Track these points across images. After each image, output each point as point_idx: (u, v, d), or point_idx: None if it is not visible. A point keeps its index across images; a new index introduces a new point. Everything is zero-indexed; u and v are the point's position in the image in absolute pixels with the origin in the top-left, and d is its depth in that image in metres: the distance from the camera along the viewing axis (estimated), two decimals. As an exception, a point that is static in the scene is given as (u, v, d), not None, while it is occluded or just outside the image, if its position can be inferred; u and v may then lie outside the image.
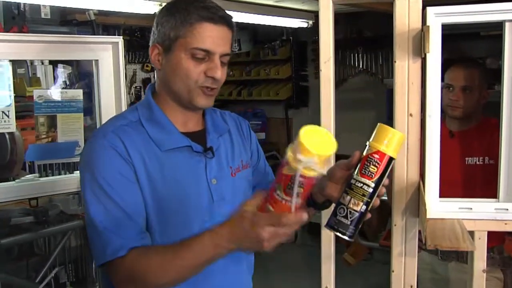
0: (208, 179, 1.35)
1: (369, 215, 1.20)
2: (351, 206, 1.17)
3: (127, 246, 1.20)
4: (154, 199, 1.28)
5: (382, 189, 1.20)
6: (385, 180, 1.19)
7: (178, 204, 1.30)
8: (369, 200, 1.17)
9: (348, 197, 1.18)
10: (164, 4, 2.47)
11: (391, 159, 1.18)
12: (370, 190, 1.17)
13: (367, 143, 1.20)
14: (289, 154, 1.02)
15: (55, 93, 1.97)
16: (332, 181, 1.27)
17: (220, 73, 1.29)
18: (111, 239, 1.20)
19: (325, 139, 1.07)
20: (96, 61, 1.93)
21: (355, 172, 1.19)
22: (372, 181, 1.17)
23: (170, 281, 1.19)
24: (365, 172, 1.17)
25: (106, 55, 1.94)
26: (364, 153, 1.19)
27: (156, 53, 1.32)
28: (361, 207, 1.17)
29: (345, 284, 1.85)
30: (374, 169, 1.17)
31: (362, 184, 1.17)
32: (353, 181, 1.18)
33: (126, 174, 1.24)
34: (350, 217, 1.17)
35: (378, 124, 1.21)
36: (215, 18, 1.27)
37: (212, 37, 1.27)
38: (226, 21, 1.30)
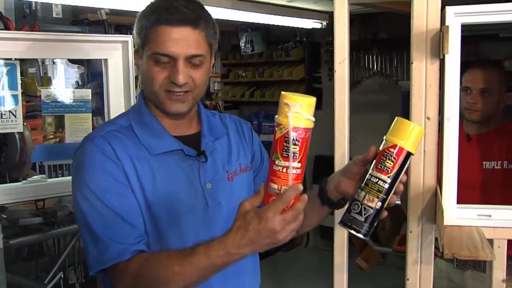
0: (202, 184, 1.31)
1: (385, 214, 1.15)
2: (365, 202, 1.13)
3: (130, 250, 1.17)
4: (145, 204, 1.24)
5: (400, 186, 1.14)
6: (403, 177, 1.14)
7: (170, 210, 1.26)
8: (385, 196, 1.12)
9: (363, 193, 1.13)
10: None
11: (408, 154, 1.13)
12: (386, 186, 1.12)
13: (384, 138, 1.15)
14: (276, 117, 1.04)
15: (63, 92, 1.95)
16: (347, 177, 1.23)
17: (181, 78, 1.23)
18: (109, 244, 1.17)
19: (303, 94, 1.06)
20: (105, 60, 1.90)
21: (371, 167, 1.14)
22: (388, 177, 1.12)
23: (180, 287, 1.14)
24: (381, 167, 1.12)
25: (116, 54, 1.91)
26: (381, 148, 1.14)
27: (136, 59, 1.32)
28: (376, 203, 1.12)
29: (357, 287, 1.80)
30: (390, 164, 1.12)
31: (377, 180, 1.13)
32: (368, 177, 1.14)
33: (118, 177, 1.22)
34: (365, 214, 1.13)
35: (396, 117, 1.16)
36: (171, 20, 1.21)
37: (170, 40, 1.22)
38: (187, 21, 1.22)
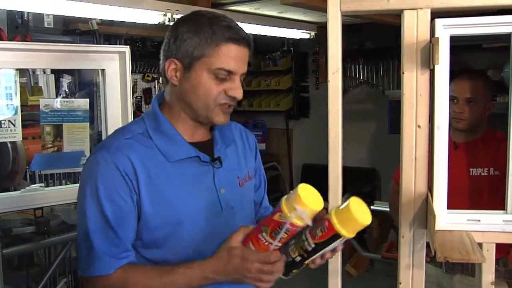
0: (217, 189, 1.37)
1: (310, 265, 1.26)
2: (289, 249, 1.23)
3: (116, 266, 1.26)
4: (161, 208, 1.30)
5: (327, 254, 1.24)
6: (328, 253, 1.23)
7: (187, 214, 1.32)
8: (305, 255, 1.22)
9: (293, 241, 1.22)
10: (177, 17, 2.47)
11: (338, 235, 1.19)
12: (309, 248, 1.20)
13: (328, 205, 1.23)
14: (283, 203, 1.15)
15: (61, 102, 1.97)
16: None
17: (241, 93, 1.33)
18: (99, 256, 1.24)
19: (316, 196, 1.18)
20: (103, 70, 1.93)
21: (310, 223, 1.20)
22: (314, 243, 1.20)
23: None
24: (313, 231, 1.20)
25: (113, 65, 1.94)
26: (328, 209, 1.25)
27: (172, 68, 1.32)
28: (296, 256, 1.22)
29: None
30: (320, 233, 1.19)
31: (306, 238, 1.20)
32: (304, 230, 1.21)
33: (124, 194, 1.26)
34: (286, 258, 1.23)
35: (350, 200, 1.20)
36: (239, 39, 1.30)
37: (235, 58, 1.30)
38: (248, 42, 1.32)
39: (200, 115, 1.35)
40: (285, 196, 1.18)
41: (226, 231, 1.27)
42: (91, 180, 1.27)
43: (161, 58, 1.36)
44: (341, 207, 1.20)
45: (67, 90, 3.76)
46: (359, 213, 1.18)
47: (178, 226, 1.32)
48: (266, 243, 1.18)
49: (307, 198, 1.14)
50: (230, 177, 1.42)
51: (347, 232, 1.18)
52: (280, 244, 1.20)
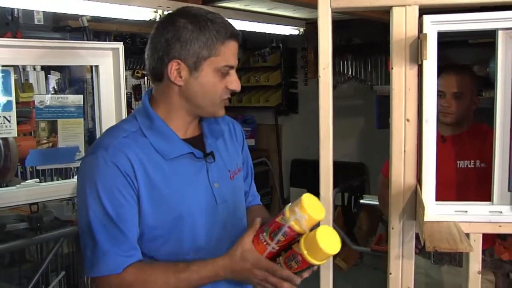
0: (211, 183, 1.41)
1: None
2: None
3: (124, 264, 1.27)
4: (160, 207, 1.32)
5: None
6: (303, 274, 1.30)
7: (184, 210, 1.35)
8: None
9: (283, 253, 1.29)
10: (159, 11, 2.47)
11: (312, 265, 1.27)
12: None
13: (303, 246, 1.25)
14: (287, 207, 1.23)
15: (56, 98, 1.99)
16: None
17: (240, 85, 1.39)
18: (105, 255, 1.26)
19: (318, 206, 1.26)
20: (96, 67, 1.95)
21: (300, 243, 1.26)
22: (292, 271, 1.28)
23: None
24: (288, 262, 1.27)
25: (107, 61, 1.96)
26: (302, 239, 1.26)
27: (176, 69, 1.33)
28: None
29: (335, 288, 1.87)
30: (295, 265, 1.27)
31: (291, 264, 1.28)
32: (280, 261, 1.29)
33: (125, 192, 1.28)
34: None
35: (319, 228, 1.25)
36: (237, 35, 1.36)
37: (234, 54, 1.36)
38: (240, 37, 1.38)
39: (204, 111, 1.40)
40: (291, 203, 1.26)
41: (223, 224, 1.37)
42: (91, 180, 1.27)
43: (155, 57, 1.34)
44: (311, 245, 1.24)
45: (55, 87, 3.76)
46: (328, 244, 1.24)
47: (179, 222, 1.34)
48: (265, 243, 1.24)
49: (309, 205, 1.21)
50: (222, 171, 1.46)
51: (321, 261, 1.26)
52: (277, 248, 1.25)
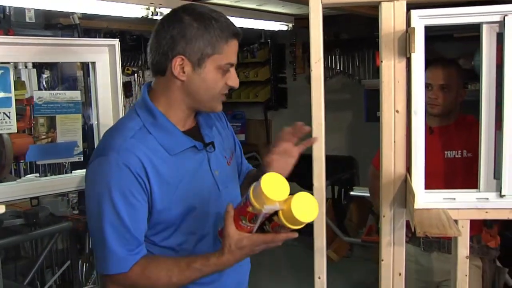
0: (212, 172, 1.48)
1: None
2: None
3: (130, 263, 1.34)
4: (172, 201, 1.38)
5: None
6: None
7: (195, 199, 1.42)
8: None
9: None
10: (160, 11, 2.50)
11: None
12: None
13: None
14: (252, 198, 1.23)
15: (54, 94, 2.02)
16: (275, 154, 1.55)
17: (238, 82, 1.45)
18: (114, 255, 1.32)
19: (281, 183, 1.25)
20: (93, 63, 1.98)
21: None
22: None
23: None
24: (276, 230, 1.30)
25: (103, 58, 1.99)
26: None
27: (179, 64, 1.37)
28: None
29: (327, 280, 1.93)
30: (283, 230, 1.28)
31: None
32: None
33: (137, 193, 1.32)
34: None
35: (294, 210, 1.26)
36: (239, 34, 1.41)
37: (235, 52, 1.42)
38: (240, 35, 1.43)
39: (204, 106, 1.45)
40: (252, 188, 1.25)
41: (224, 206, 1.37)
42: (104, 182, 1.31)
43: (159, 52, 1.38)
44: (286, 211, 1.25)
45: (45, 85, 3.78)
46: (305, 213, 1.26)
47: (189, 212, 1.41)
48: (249, 227, 1.29)
49: (272, 192, 1.21)
50: (220, 158, 1.53)
51: (305, 222, 1.27)
52: (260, 225, 1.30)
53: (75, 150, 2.02)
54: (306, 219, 1.24)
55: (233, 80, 1.43)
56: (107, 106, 2.04)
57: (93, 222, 1.34)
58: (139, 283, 1.35)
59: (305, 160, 1.95)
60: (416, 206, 1.71)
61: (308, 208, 1.26)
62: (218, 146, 1.53)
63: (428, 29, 1.70)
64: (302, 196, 1.26)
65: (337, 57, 5.24)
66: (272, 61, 5.63)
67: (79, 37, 3.29)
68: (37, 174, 1.98)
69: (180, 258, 1.37)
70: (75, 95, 2.03)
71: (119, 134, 1.37)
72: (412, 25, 1.66)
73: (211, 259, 1.32)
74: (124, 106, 4.82)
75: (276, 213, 1.26)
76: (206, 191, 1.45)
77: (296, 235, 1.28)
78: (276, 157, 1.54)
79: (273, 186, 1.23)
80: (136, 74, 4.98)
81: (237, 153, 1.72)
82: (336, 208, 4.69)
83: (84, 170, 2.10)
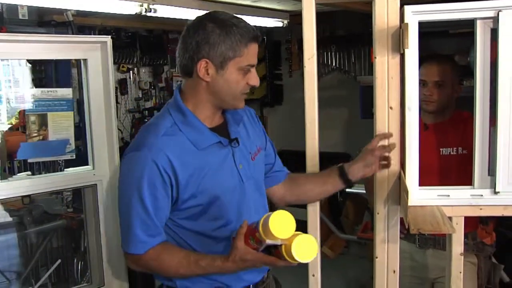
0: (236, 165, 1.63)
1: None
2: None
3: (147, 247, 1.53)
4: (198, 191, 1.54)
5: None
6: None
7: (218, 190, 1.58)
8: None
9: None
10: (144, 5, 2.49)
11: None
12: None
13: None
14: (260, 229, 1.38)
15: (46, 92, 2.01)
16: (367, 166, 1.76)
17: (258, 81, 1.59)
18: (135, 237, 1.53)
19: (288, 222, 1.38)
20: (85, 60, 1.96)
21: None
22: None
23: (180, 279, 1.61)
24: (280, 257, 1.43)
25: (95, 55, 1.97)
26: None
27: (204, 67, 1.53)
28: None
29: (323, 277, 1.93)
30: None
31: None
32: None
33: (161, 188, 1.51)
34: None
35: (294, 252, 1.37)
36: (258, 37, 1.55)
37: (255, 54, 1.57)
38: (260, 39, 1.58)
39: (227, 104, 1.60)
40: (263, 218, 1.39)
41: (248, 198, 1.62)
42: (134, 174, 1.50)
43: (186, 56, 1.54)
44: (287, 249, 1.39)
45: (41, 82, 3.75)
46: (304, 253, 1.39)
47: (215, 202, 1.57)
48: (255, 246, 1.43)
49: (278, 229, 1.35)
50: (245, 154, 1.67)
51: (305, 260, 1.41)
52: (266, 246, 1.43)
53: (67, 148, 2.01)
54: (303, 260, 1.38)
55: (254, 79, 1.57)
56: (100, 104, 2.03)
57: (123, 207, 1.55)
58: (151, 266, 1.56)
59: (298, 157, 1.95)
60: (410, 203, 1.70)
61: (308, 249, 1.39)
62: (243, 142, 1.67)
63: (424, 25, 1.70)
64: (304, 238, 1.39)
65: (333, 53, 5.23)
66: (268, 58, 5.62)
67: (73, 34, 3.27)
68: (29, 172, 1.97)
69: (191, 253, 1.55)
70: (67, 92, 2.02)
71: (153, 131, 1.55)
72: (405, 21, 1.65)
73: (216, 262, 1.49)
74: (119, 103, 4.89)
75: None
76: (230, 182, 1.60)
77: (295, 264, 1.41)
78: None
79: (280, 224, 1.37)
80: (131, 71, 4.95)
81: (268, 151, 1.85)
82: (332, 205, 4.68)
83: (77, 168, 2.13)
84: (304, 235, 1.40)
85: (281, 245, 1.39)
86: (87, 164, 2.16)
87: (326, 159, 1.91)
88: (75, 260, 3.31)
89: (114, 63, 4.82)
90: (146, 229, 1.53)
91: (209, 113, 1.61)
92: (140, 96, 5.09)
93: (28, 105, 1.94)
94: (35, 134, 1.92)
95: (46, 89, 2.05)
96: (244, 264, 1.46)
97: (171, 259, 1.54)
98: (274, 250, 1.43)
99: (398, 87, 1.74)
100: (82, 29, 4.17)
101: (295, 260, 1.38)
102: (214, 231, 1.60)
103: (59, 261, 2.64)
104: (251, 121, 1.78)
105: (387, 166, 1.77)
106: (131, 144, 1.59)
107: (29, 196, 2.05)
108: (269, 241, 1.38)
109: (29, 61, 3.24)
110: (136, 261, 1.58)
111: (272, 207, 1.74)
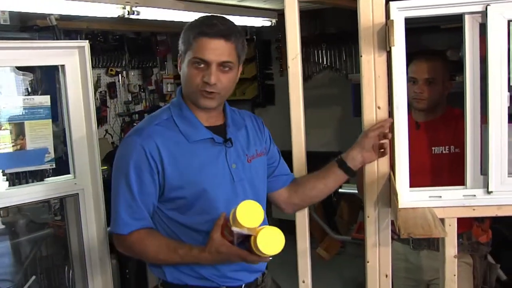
0: (228, 164, 1.65)
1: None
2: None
3: (130, 229, 1.59)
4: (185, 182, 1.58)
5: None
6: None
7: (206, 184, 1.60)
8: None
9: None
10: (127, 7, 2.49)
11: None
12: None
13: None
14: (230, 218, 1.42)
15: (22, 100, 1.95)
16: (366, 150, 1.71)
17: (213, 78, 1.54)
18: (120, 219, 1.58)
19: (257, 212, 1.41)
20: (63, 66, 1.91)
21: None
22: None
23: (158, 265, 1.65)
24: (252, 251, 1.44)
25: (72, 60, 1.92)
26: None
27: (179, 62, 1.64)
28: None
29: (319, 279, 1.88)
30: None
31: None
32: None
33: (147, 172, 1.56)
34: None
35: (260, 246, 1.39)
36: (210, 33, 1.53)
37: (208, 49, 1.54)
38: (222, 35, 1.54)
39: (191, 99, 1.62)
40: (232, 211, 1.42)
41: (238, 198, 1.60)
42: (124, 158, 1.58)
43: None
44: (254, 244, 1.40)
45: (29, 88, 3.68)
46: (270, 246, 1.40)
47: (202, 194, 1.59)
48: (230, 238, 1.46)
49: (244, 217, 1.38)
50: (239, 154, 1.69)
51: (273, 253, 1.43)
52: (240, 239, 1.46)
53: (46, 157, 1.95)
54: (268, 252, 1.39)
55: (206, 76, 1.55)
56: (79, 110, 1.98)
57: (113, 189, 1.61)
58: (134, 248, 1.60)
59: (286, 158, 1.91)
60: (400, 206, 1.66)
61: (274, 242, 1.40)
62: (241, 144, 1.71)
63: (414, 21, 1.65)
64: (270, 230, 1.40)
65: (323, 51, 5.18)
66: (258, 58, 5.56)
67: (56, 38, 3.21)
68: (6, 183, 1.90)
69: (172, 242, 1.60)
70: (45, 99, 1.96)
71: (149, 121, 1.64)
72: (391, 18, 1.60)
73: (193, 251, 1.54)
74: (108, 107, 4.82)
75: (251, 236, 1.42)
76: (219, 179, 1.63)
77: (268, 259, 1.46)
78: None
79: (247, 212, 1.39)
80: (120, 75, 4.89)
81: (271, 155, 1.86)
82: (326, 205, 4.63)
83: (58, 177, 2.07)
84: (270, 227, 1.41)
85: (251, 237, 1.41)
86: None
87: (319, 159, 1.88)
88: (66, 268, 3.25)
89: (103, 66, 4.78)
90: (131, 212, 1.58)
91: (203, 112, 1.65)
92: (130, 99, 5.04)
93: (2, 114, 1.88)
94: (12, 144, 1.87)
95: (22, 97, 1.99)
96: (219, 256, 1.49)
97: (152, 244, 1.59)
98: (248, 244, 1.44)
99: (386, 86, 1.69)
100: (68, 33, 4.11)
101: (262, 253, 1.39)
102: (202, 225, 1.60)
103: (34, 277, 2.57)
104: (256, 128, 1.82)
105: (384, 154, 1.74)
106: (130, 130, 1.68)
107: (7, 208, 1.99)
108: (235, 229, 1.39)
109: (19, 68, 3.19)
110: (122, 241, 1.62)
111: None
